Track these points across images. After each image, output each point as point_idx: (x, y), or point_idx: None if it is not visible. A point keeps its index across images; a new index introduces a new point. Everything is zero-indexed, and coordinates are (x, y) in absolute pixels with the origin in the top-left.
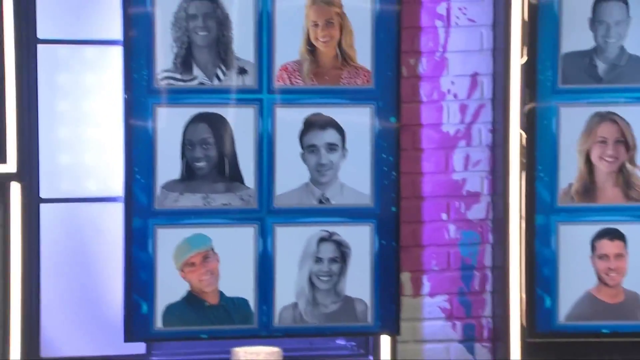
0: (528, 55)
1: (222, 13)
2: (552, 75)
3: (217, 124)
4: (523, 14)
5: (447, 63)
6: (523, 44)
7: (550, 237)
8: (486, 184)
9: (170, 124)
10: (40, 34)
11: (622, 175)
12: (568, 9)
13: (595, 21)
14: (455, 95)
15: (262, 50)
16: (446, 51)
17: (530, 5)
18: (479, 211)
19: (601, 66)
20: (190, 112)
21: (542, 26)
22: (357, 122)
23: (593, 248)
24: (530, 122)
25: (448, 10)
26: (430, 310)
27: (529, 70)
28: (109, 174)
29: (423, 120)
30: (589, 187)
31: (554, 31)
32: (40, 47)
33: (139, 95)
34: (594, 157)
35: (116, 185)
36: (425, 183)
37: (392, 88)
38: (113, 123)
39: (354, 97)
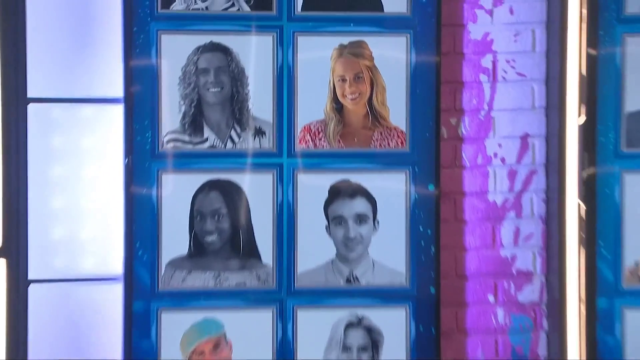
0: (586, 114)
1: (237, 67)
2: (615, 137)
3: (230, 192)
4: (580, 67)
5: (493, 123)
6: (581, 101)
7: (614, 324)
8: (539, 261)
9: (177, 192)
10: (31, 92)
11: None
12: (632, 62)
13: None
14: (502, 160)
15: (282, 109)
16: (492, 109)
17: (588, 57)
18: (531, 293)
19: None
20: (200, 179)
21: (602, 81)
22: (391, 190)
23: None
24: (589, 191)
25: (494, 62)
26: None
27: (587, 132)
28: (108, 250)
29: (466, 187)
30: None
31: (616, 87)
32: (31, 106)
33: (142, 159)
34: None
35: (115, 263)
36: (468, 260)
37: (431, 151)
38: (112, 191)
39: (387, 161)
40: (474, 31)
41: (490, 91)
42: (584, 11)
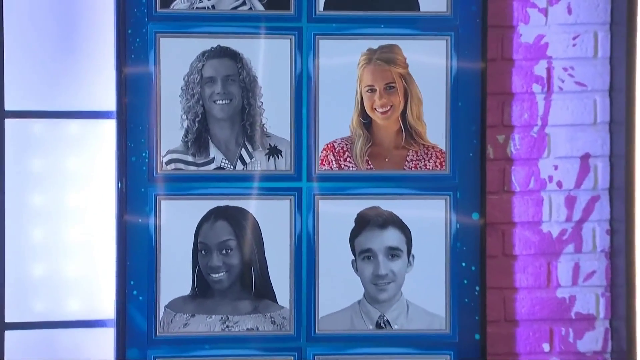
0: None
1: (248, 75)
2: None
3: (240, 221)
4: None
5: (548, 141)
6: None
7: None
8: (603, 303)
9: (178, 221)
10: (8, 105)
11: None
12: None
13: None
14: (559, 184)
15: (301, 124)
16: (547, 125)
17: None
18: (593, 341)
19: None
20: (206, 206)
21: None
22: (428, 219)
23: None
24: None
25: (549, 70)
26: None
27: None
28: (97, 289)
29: (516, 217)
30: None
31: None
32: (8, 121)
33: (138, 183)
34: None
35: (105, 305)
36: (519, 302)
37: (475, 174)
38: (102, 221)
39: (424, 186)
40: (526, 33)
41: (545, 104)
42: None
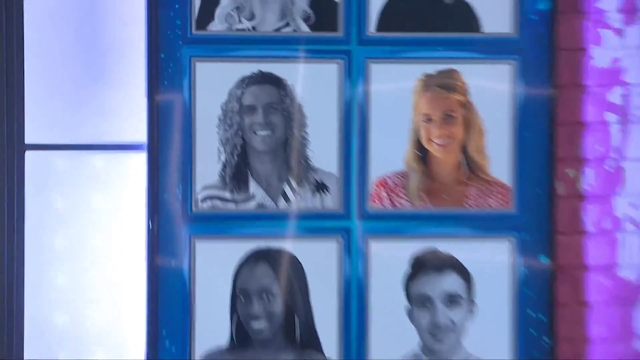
0: None
1: (292, 103)
2: None
3: (283, 265)
4: None
5: (624, 176)
6: None
7: None
8: None
9: (215, 265)
10: (29, 138)
11: None
12: None
13: None
14: (637, 224)
15: (351, 158)
16: (623, 158)
17: None
18: None
19: None
20: (245, 247)
21: None
22: (491, 262)
23: None
24: None
25: (625, 98)
26: None
27: None
28: (124, 339)
29: (590, 260)
30: None
31: None
32: (29, 154)
33: (171, 223)
34: None
35: (135, 356)
36: (592, 355)
37: (543, 213)
38: (131, 265)
39: (486, 225)
40: (599, 57)
41: (621, 135)
42: None
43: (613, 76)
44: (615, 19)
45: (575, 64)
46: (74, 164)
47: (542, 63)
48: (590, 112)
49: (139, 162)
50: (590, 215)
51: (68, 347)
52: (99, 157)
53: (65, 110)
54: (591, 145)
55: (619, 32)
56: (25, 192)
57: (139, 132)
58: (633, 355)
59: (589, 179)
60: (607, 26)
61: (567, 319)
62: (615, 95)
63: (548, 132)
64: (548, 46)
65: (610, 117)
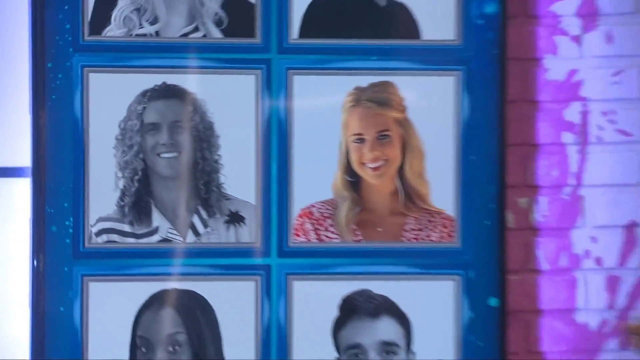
0: None
1: (202, 121)
2: None
3: (192, 309)
4: None
5: (583, 206)
6: None
7: None
8: None
9: (111, 309)
10: None
11: None
12: None
13: None
14: (598, 261)
15: (270, 184)
16: (581, 186)
17: None
18: None
19: None
20: (147, 289)
21: None
22: (432, 305)
23: None
24: None
25: (584, 115)
26: None
27: None
28: None
29: (543, 303)
30: None
31: None
32: None
33: (60, 261)
34: None
35: None
36: None
37: (492, 248)
38: (14, 309)
39: (426, 262)
40: (554, 68)
41: (579, 158)
42: None
43: (570, 90)
44: (572, 24)
45: (527, 76)
46: None
47: (490, 75)
48: (544, 132)
49: (22, 189)
50: (545, 251)
51: None
52: None
53: None
54: (545, 171)
55: (577, 39)
56: None
57: (23, 155)
58: None
59: (543, 209)
60: (563, 33)
61: None
62: (572, 113)
63: (497, 155)
64: (496, 56)
65: (567, 137)
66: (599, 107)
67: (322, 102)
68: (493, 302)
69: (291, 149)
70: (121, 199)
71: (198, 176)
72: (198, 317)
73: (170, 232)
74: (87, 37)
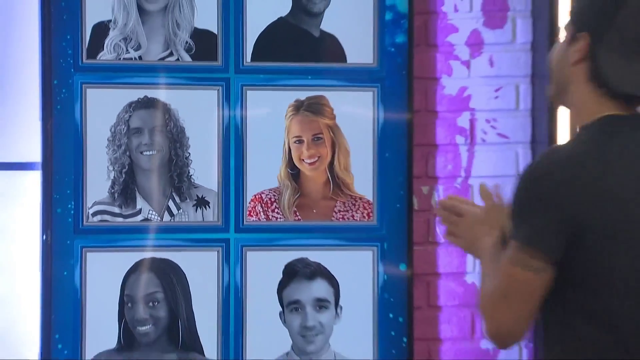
0: None
1: (176, 126)
2: None
3: (168, 274)
4: (572, 128)
5: (471, 192)
6: None
7: None
8: (526, 354)
9: (104, 274)
10: None
11: None
12: None
13: None
14: None
15: (229, 175)
16: (470, 176)
17: None
18: None
19: None
20: (132, 258)
21: None
22: (355, 270)
23: None
24: None
25: (472, 122)
26: None
27: None
28: (20, 342)
29: (441, 268)
30: None
31: None
32: None
33: (63, 236)
34: None
35: (30, 357)
36: (444, 353)
37: (402, 225)
38: (26, 275)
39: (351, 237)
40: (449, 86)
41: (468, 155)
42: None
43: (461, 103)
44: (463, 51)
45: (428, 91)
46: None
47: (400, 90)
48: (441, 135)
49: (33, 180)
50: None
51: None
52: None
53: None
54: (442, 165)
55: (466, 63)
56: None
57: (34, 152)
58: (479, 353)
59: (440, 195)
60: (456, 58)
61: (421, 320)
62: (463, 120)
63: (406, 153)
64: (405, 75)
65: (459, 139)
66: (484, 115)
67: (269, 112)
68: (402, 267)
69: (245, 148)
70: (112, 187)
71: (172, 169)
72: (172, 279)
73: (150, 213)
74: (85, 60)
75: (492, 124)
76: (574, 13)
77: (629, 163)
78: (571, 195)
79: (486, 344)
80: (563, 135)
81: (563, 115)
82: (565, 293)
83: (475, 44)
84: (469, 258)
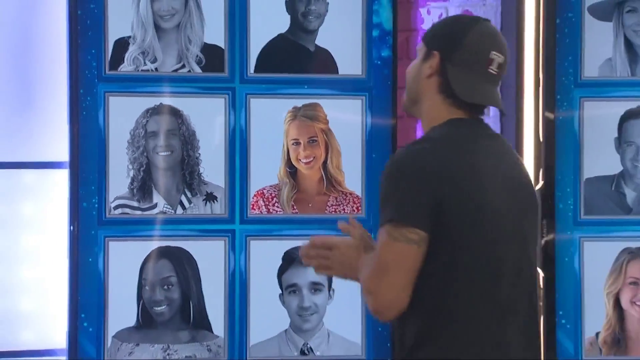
0: (544, 179)
1: (188, 130)
2: (574, 203)
3: (181, 260)
4: (538, 131)
5: None
6: (538, 166)
7: None
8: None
9: (124, 260)
10: None
11: None
12: (590, 127)
13: (622, 142)
14: None
15: (235, 173)
16: None
17: (546, 121)
18: None
19: (630, 194)
20: (149, 246)
21: (560, 146)
22: None
23: None
24: (548, 259)
25: None
26: None
27: (546, 198)
28: (50, 322)
29: None
30: (619, 337)
31: (575, 152)
32: None
33: (88, 227)
34: (624, 302)
35: (59, 336)
36: None
37: None
38: (55, 261)
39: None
40: None
41: None
42: (541, 75)
43: None
44: None
45: None
46: (7, 179)
47: (386, 99)
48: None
49: (62, 177)
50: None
51: (2, 329)
52: (29, 173)
53: (0, 134)
54: None
55: None
56: None
57: (62, 153)
58: None
59: None
60: None
61: None
62: None
63: (390, 153)
64: (390, 85)
65: None
66: None
67: (270, 117)
68: None
69: (249, 149)
70: (131, 183)
71: (184, 168)
72: (185, 265)
73: (165, 207)
74: (107, 72)
75: None
76: (428, 35)
77: (474, 151)
78: (432, 177)
79: None
80: (529, 138)
81: (529, 119)
82: (430, 266)
83: None
84: None
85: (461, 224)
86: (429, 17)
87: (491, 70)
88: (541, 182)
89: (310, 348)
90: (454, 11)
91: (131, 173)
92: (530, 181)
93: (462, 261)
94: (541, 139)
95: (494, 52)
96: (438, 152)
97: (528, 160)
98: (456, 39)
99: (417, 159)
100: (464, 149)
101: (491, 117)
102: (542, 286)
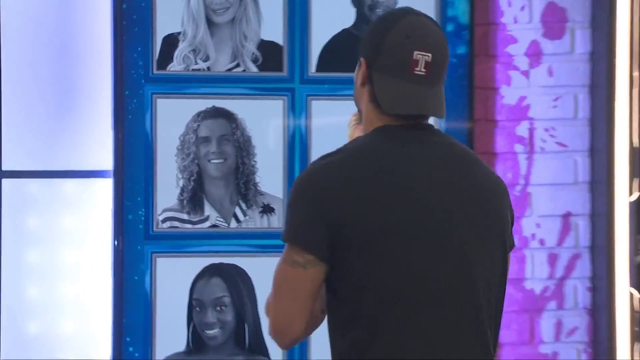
0: (639, 190)
1: (243, 135)
2: None
3: (235, 278)
4: (631, 137)
5: (530, 200)
6: (632, 175)
7: None
8: (585, 359)
9: (173, 278)
10: (5, 165)
11: None
12: None
13: None
14: (541, 242)
15: None
16: (529, 184)
17: None
18: None
19: None
20: (201, 263)
21: None
22: None
23: None
24: None
25: (531, 131)
26: None
27: None
28: (92, 345)
29: None
30: None
31: None
32: (5, 181)
33: (134, 241)
34: None
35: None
36: (504, 357)
37: None
38: (98, 279)
39: None
40: (508, 95)
41: (527, 163)
42: (635, 74)
43: (520, 112)
44: (522, 62)
45: (488, 101)
46: (46, 189)
47: (462, 100)
48: (501, 144)
49: (105, 187)
50: None
51: (40, 354)
52: (69, 183)
53: (39, 140)
54: (501, 173)
55: (525, 73)
56: (2, 214)
57: (106, 160)
58: (537, 356)
59: None
60: (515, 68)
61: None
62: (522, 129)
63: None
64: (466, 85)
65: (518, 148)
66: (542, 124)
67: (332, 121)
68: None
69: (310, 156)
70: (181, 194)
71: (239, 177)
72: (239, 284)
73: (218, 220)
74: (155, 71)
75: (550, 133)
76: (360, 41)
77: (392, 161)
78: (330, 196)
79: (545, 349)
80: (623, 144)
81: (622, 124)
82: (337, 291)
83: (535, 54)
84: (528, 264)
85: (366, 244)
86: (509, 10)
87: (417, 72)
88: (636, 194)
89: None
90: (538, 2)
91: (181, 183)
92: (493, 189)
93: (371, 284)
94: (635, 145)
95: (418, 52)
96: (344, 167)
97: (621, 169)
98: (376, 42)
99: (318, 177)
100: (379, 160)
101: (579, 120)
102: (637, 309)
